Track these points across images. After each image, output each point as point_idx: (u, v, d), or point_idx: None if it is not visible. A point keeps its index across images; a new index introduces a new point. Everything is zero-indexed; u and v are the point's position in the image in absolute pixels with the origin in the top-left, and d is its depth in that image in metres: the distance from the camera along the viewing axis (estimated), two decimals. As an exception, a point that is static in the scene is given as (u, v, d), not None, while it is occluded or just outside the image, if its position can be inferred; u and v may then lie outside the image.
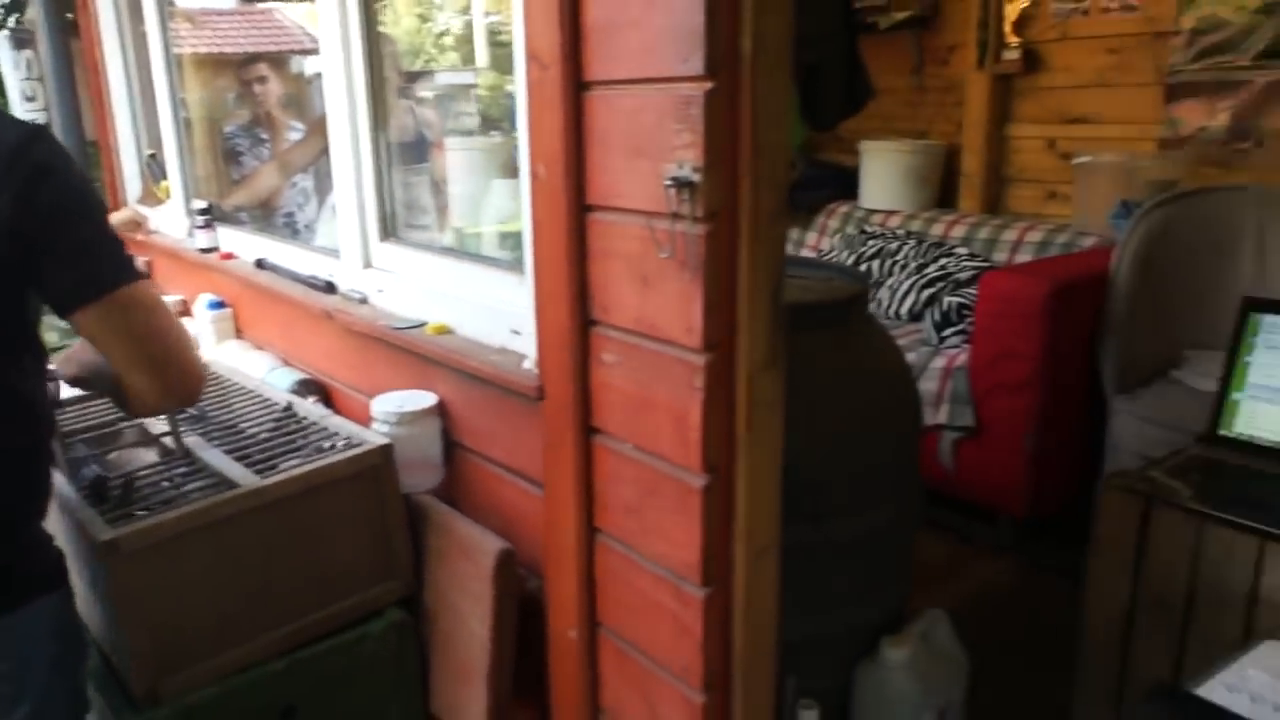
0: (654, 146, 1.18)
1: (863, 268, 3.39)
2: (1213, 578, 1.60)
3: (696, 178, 1.13)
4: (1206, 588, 1.62)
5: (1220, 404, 1.84)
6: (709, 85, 1.09)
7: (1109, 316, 2.59)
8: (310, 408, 1.87)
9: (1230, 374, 1.82)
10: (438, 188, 2.12)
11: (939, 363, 2.78)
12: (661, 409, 1.28)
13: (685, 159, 1.14)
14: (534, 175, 1.37)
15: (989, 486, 2.71)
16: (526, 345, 1.58)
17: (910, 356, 2.84)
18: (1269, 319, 1.78)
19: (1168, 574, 1.66)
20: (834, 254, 3.59)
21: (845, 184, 3.92)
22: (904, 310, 3.18)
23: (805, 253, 3.88)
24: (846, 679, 1.78)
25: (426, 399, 1.79)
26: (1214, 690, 1.35)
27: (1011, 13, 3.40)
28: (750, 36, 1.08)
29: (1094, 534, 1.78)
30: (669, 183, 1.14)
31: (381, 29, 1.91)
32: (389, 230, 2.02)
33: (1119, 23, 3.20)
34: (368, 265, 2.05)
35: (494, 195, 1.79)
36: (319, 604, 1.60)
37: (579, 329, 1.38)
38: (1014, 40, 3.41)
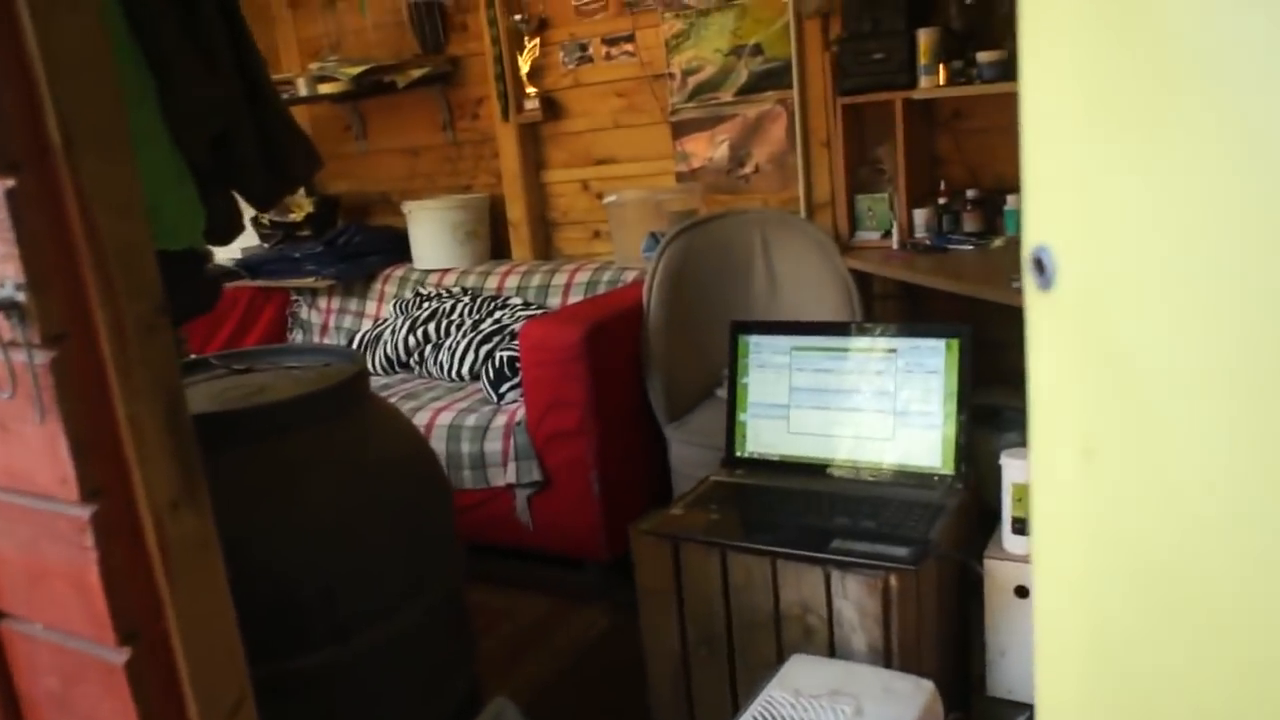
0: (-30, 262, 0.94)
1: (419, 331, 3.26)
2: (743, 603, 1.63)
3: (22, 297, 0.90)
4: (741, 614, 1.64)
5: (731, 427, 1.90)
6: (9, 183, 0.88)
7: (646, 347, 2.66)
8: None
9: (734, 396, 1.89)
10: None
11: (500, 420, 2.71)
12: (59, 577, 1.03)
13: (6, 275, 0.91)
14: None
15: (569, 536, 2.68)
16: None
17: (472, 418, 2.75)
18: (754, 339, 1.86)
19: (707, 607, 1.67)
20: (391, 321, 3.43)
21: (399, 247, 3.79)
22: (464, 370, 3.09)
23: (367, 323, 3.69)
24: (412, 801, 1.60)
25: None
26: (745, 726, 1.35)
27: (525, 64, 3.45)
28: (56, 119, 0.88)
29: (636, 582, 1.76)
30: (-15, 307, 0.90)
31: None
32: None
33: (621, 68, 3.36)
34: None
35: None
36: None
37: (-53, 493, 1.09)
38: (532, 90, 3.47)
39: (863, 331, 1.78)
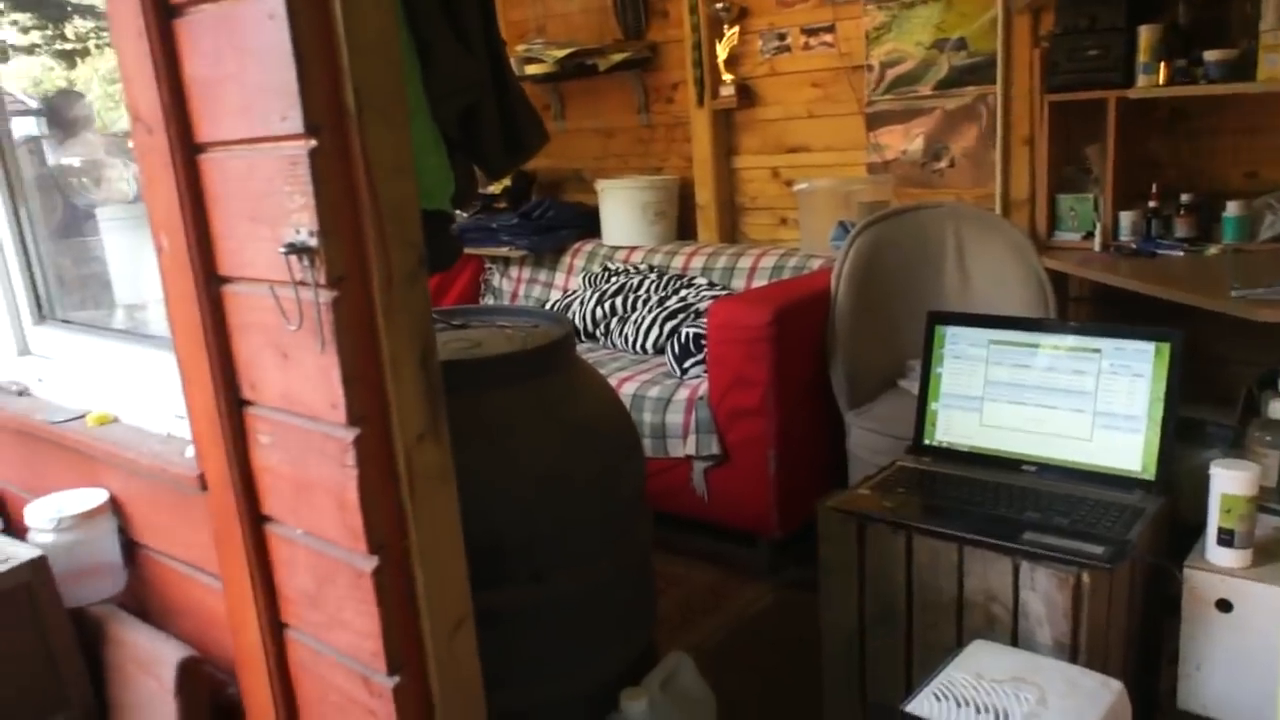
0: (271, 211, 1.08)
1: (607, 304, 3.39)
2: (926, 585, 1.64)
3: (314, 242, 1.03)
4: (922, 595, 1.66)
5: (921, 415, 1.91)
6: (312, 143, 1.00)
7: (832, 334, 2.68)
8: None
9: (926, 385, 1.90)
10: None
11: (683, 394, 2.79)
12: (321, 490, 1.17)
13: (301, 223, 1.04)
14: (158, 248, 1.23)
15: (743, 511, 2.74)
16: (188, 430, 1.44)
17: (655, 390, 2.84)
18: (951, 330, 1.86)
19: (888, 586, 1.70)
20: (579, 293, 3.57)
21: (589, 223, 3.93)
22: (649, 344, 3.19)
23: (555, 293, 3.85)
24: (592, 740, 1.71)
25: (93, 498, 1.59)
26: (924, 703, 1.38)
27: (723, 51, 3.51)
28: (352, 89, 1.00)
29: (820, 556, 1.80)
30: (285, 250, 1.04)
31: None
32: (45, 312, 1.80)
33: (819, 58, 3.37)
34: (24, 352, 1.83)
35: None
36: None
37: (230, 410, 1.25)
38: (728, 77, 3.53)
39: (1065, 329, 1.75)
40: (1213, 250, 2.53)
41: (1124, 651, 1.57)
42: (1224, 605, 1.48)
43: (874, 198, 3.17)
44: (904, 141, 3.23)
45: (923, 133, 3.18)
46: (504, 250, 3.94)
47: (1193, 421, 2.40)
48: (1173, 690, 1.59)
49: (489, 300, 4.11)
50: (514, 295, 4.05)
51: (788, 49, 3.44)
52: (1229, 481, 1.46)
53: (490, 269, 4.16)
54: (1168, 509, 1.66)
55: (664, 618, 2.49)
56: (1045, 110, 2.76)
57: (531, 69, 3.79)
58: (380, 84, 1.03)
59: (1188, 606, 1.52)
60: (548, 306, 3.68)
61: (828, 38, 3.33)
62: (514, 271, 4.07)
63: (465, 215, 4.19)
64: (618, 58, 3.67)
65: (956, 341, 1.85)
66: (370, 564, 1.15)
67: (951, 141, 3.14)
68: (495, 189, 4.12)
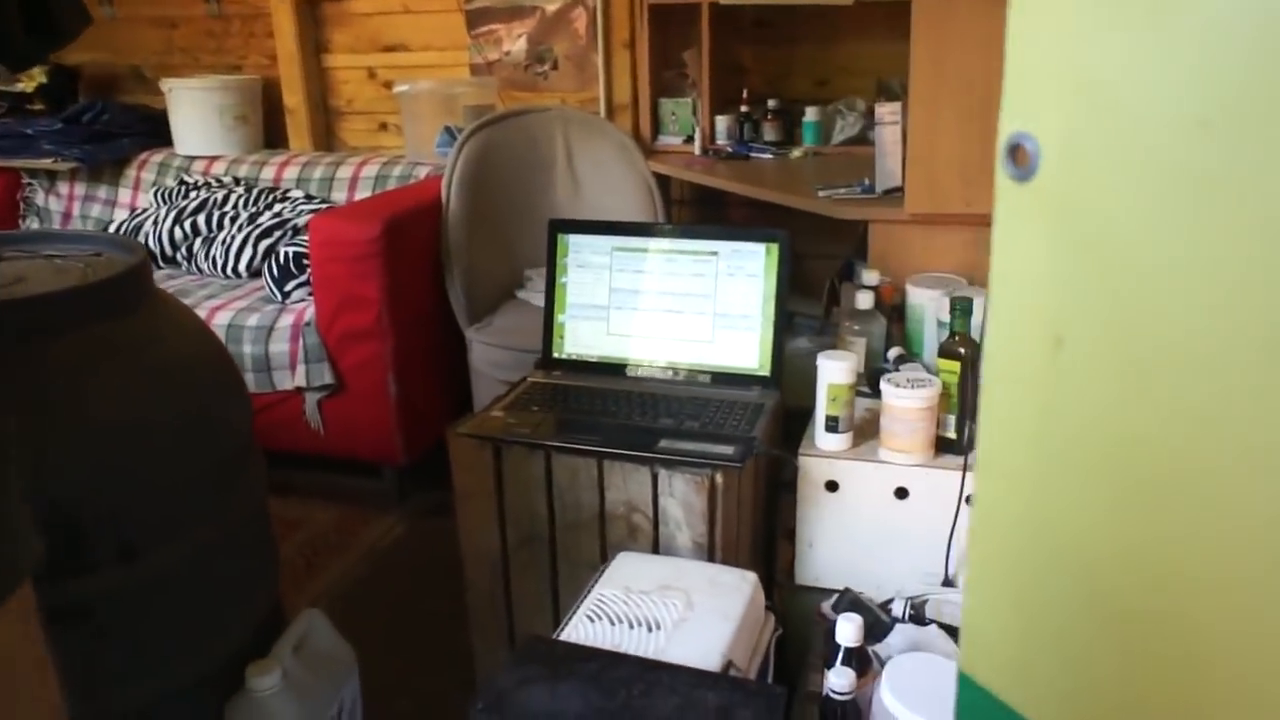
0: None
1: (187, 224, 2.97)
2: (568, 503, 1.61)
3: None
4: (565, 514, 1.63)
5: (549, 327, 1.86)
6: None
7: (446, 246, 2.55)
8: None
9: (552, 297, 1.84)
10: None
11: (287, 320, 2.53)
12: None
13: None
14: None
15: (364, 441, 2.57)
16: None
17: (254, 318, 2.55)
18: (574, 239, 1.82)
19: (529, 508, 1.65)
20: (152, 211, 3.10)
21: (156, 129, 3.41)
22: (242, 267, 2.85)
23: (121, 213, 3.32)
24: (218, 723, 1.50)
25: None
26: (579, 628, 1.34)
27: (303, -69, 3.16)
28: None
29: (455, 486, 1.71)
30: None
31: None
32: None
33: (412, -55, 3.14)
34: None
35: None
36: None
37: None
38: (311, -37, 3.19)
39: (684, 233, 1.77)
40: (796, 153, 2.73)
41: (751, 540, 1.66)
42: (832, 486, 1.61)
43: (479, 101, 3.04)
44: (507, 43, 3.12)
45: (525, 33, 3.09)
46: (47, 162, 3.31)
47: (786, 313, 2.60)
48: (788, 566, 1.71)
49: (33, 224, 3.45)
50: (67, 216, 3.43)
51: (375, -66, 3.16)
52: (834, 372, 1.57)
53: (31, 185, 3.49)
54: (783, 401, 1.76)
55: (288, 566, 2.28)
56: (645, 14, 2.78)
57: (62, -60, 3.15)
58: None
59: (802, 489, 1.63)
60: (112, 229, 3.16)
61: (419, -76, 3.10)
62: (64, 188, 3.45)
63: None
64: (174, -68, 3.16)
65: (580, 250, 1.81)
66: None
67: (554, 43, 3.08)
68: (26, 86, 3.44)
